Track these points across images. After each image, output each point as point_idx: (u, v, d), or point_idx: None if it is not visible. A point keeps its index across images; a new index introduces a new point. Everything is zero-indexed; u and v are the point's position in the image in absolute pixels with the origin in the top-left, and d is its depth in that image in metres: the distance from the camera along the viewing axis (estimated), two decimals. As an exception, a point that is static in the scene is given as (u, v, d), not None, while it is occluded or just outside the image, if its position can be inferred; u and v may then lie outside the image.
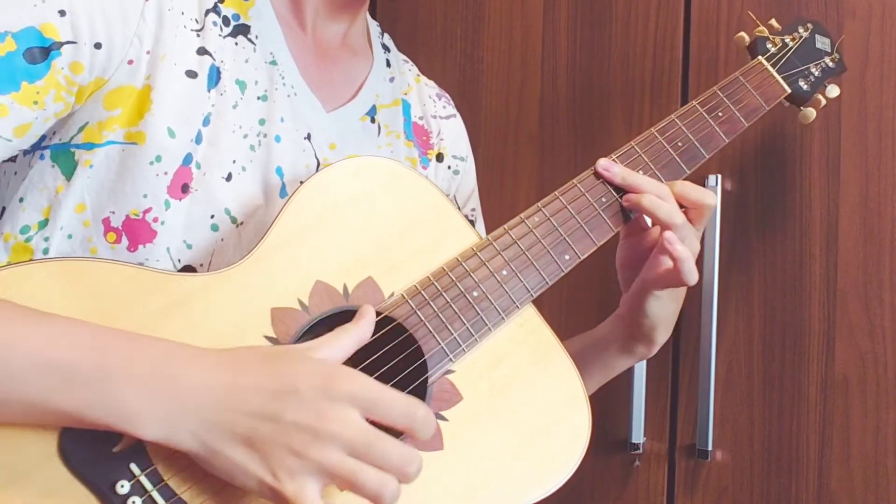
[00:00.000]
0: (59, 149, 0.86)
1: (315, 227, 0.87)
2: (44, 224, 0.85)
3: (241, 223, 0.90)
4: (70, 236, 0.85)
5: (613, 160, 0.98)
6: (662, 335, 1.04)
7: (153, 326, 0.77)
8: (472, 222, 1.02)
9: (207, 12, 0.90)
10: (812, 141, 1.26)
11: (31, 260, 0.84)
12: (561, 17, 1.39)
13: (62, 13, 0.81)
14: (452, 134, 1.16)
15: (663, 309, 1.02)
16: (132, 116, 0.85)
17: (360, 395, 0.74)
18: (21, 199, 0.86)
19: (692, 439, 1.29)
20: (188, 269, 0.88)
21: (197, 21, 0.89)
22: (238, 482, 0.73)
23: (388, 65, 1.10)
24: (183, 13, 0.88)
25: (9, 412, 0.71)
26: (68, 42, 0.81)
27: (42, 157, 0.86)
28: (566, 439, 0.88)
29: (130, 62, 0.85)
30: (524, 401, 0.88)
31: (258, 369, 0.74)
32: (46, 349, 0.71)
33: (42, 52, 0.80)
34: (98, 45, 0.82)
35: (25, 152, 0.87)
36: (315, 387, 0.73)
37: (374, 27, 1.12)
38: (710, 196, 0.98)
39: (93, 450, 0.73)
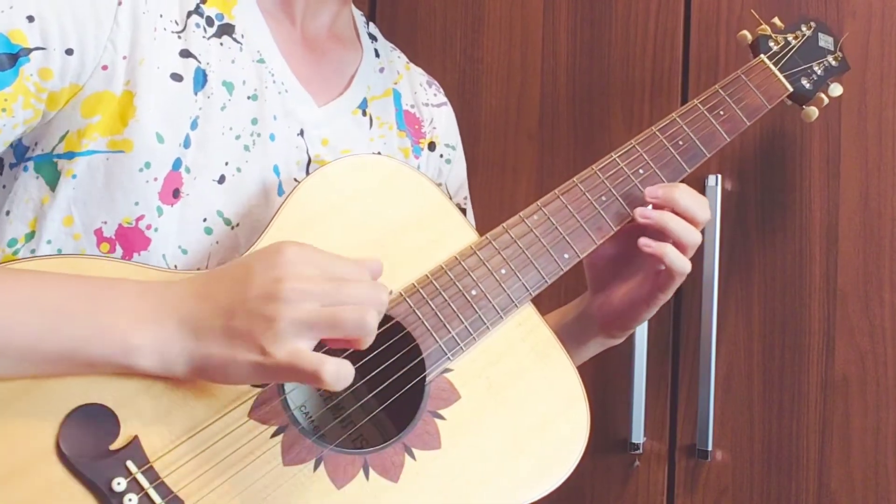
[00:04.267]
0: (42, 159, 0.85)
1: (314, 225, 0.86)
2: (30, 236, 0.85)
3: (236, 224, 0.90)
4: (59, 251, 0.84)
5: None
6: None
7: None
8: (463, 210, 1.02)
9: (190, 14, 0.89)
10: (812, 141, 1.26)
11: (31, 257, 0.83)
12: (561, 17, 1.39)
13: (31, 19, 0.80)
14: (444, 122, 1.15)
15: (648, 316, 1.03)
16: (114, 124, 0.84)
17: (311, 257, 0.76)
18: (7, 213, 0.85)
19: (692, 439, 1.29)
20: None
21: (177, 23, 0.88)
22: (236, 379, 0.75)
23: (377, 55, 1.10)
24: (162, 15, 0.87)
25: (6, 361, 0.72)
26: (37, 48, 0.80)
27: (26, 168, 0.85)
28: (565, 438, 0.88)
29: (105, 67, 0.83)
30: (523, 399, 0.88)
31: (225, 274, 0.77)
32: (35, 297, 0.73)
33: (10, 58, 0.79)
34: (69, 51, 0.81)
35: (11, 165, 0.86)
36: (266, 261, 0.75)
37: (360, 17, 1.11)
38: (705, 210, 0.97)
39: (89, 447, 0.73)
